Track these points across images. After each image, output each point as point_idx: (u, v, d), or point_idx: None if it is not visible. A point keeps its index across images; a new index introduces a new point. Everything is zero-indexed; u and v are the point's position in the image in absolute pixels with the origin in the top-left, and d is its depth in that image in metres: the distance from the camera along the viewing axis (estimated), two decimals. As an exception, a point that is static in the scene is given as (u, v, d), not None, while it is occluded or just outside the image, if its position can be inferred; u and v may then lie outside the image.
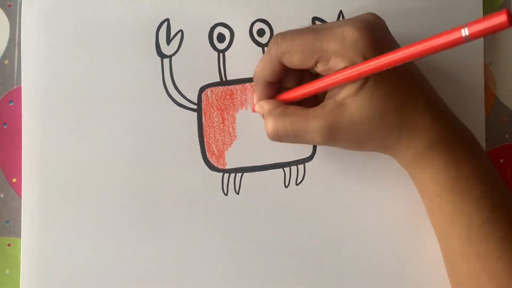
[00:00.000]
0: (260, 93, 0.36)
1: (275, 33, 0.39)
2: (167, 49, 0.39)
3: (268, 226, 0.39)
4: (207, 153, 0.39)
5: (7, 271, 0.40)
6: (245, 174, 0.39)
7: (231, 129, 0.39)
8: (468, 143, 0.34)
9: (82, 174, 0.39)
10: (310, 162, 0.39)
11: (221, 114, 0.39)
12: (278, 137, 0.34)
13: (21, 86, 0.39)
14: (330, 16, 0.39)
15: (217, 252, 0.39)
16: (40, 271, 0.38)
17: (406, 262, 0.39)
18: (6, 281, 0.39)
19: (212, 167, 0.39)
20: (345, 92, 0.32)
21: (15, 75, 0.40)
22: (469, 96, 0.39)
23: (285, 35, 0.34)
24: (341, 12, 0.39)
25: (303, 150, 0.39)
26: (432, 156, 0.33)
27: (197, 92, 0.39)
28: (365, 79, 0.32)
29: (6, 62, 0.40)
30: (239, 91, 0.39)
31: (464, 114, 0.39)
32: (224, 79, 0.39)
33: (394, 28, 0.39)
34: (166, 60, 0.39)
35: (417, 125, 0.33)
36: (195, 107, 0.39)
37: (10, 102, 0.40)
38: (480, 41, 0.39)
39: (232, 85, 0.39)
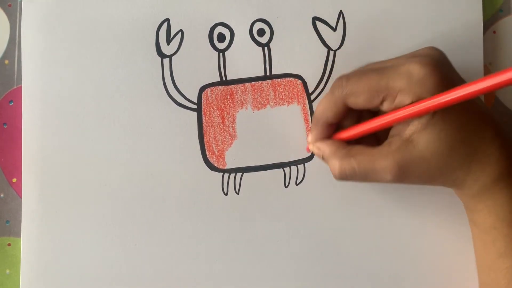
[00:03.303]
0: (317, 134, 0.35)
1: (275, 33, 0.39)
2: (167, 49, 0.39)
3: (268, 226, 0.39)
4: (207, 153, 0.39)
5: (7, 271, 0.39)
6: (245, 174, 0.39)
7: (231, 129, 0.39)
8: None
9: (82, 174, 0.39)
10: (310, 162, 0.39)
11: (221, 114, 0.39)
12: (346, 177, 0.34)
13: (21, 86, 0.39)
14: (330, 16, 0.39)
15: (217, 252, 0.39)
16: (40, 271, 0.38)
17: (406, 262, 0.39)
18: (6, 281, 0.39)
19: (212, 167, 0.39)
20: (412, 128, 0.32)
21: (15, 75, 0.40)
22: (469, 96, 0.39)
23: (349, 77, 0.33)
24: (341, 12, 0.39)
25: (303, 150, 0.39)
26: (498, 189, 0.33)
27: (197, 92, 0.39)
28: (432, 114, 0.31)
29: (6, 62, 0.40)
30: (239, 91, 0.39)
31: (464, 114, 0.39)
32: (224, 79, 0.39)
33: (394, 28, 0.39)
34: (166, 60, 0.39)
35: (486, 158, 0.32)
36: (195, 107, 0.39)
37: (10, 102, 0.40)
38: (480, 41, 0.39)
39: (232, 85, 0.39)
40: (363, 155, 0.33)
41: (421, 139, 0.32)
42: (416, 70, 0.31)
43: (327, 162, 0.35)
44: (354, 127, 0.35)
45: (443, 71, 0.32)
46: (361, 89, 0.33)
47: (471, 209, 0.35)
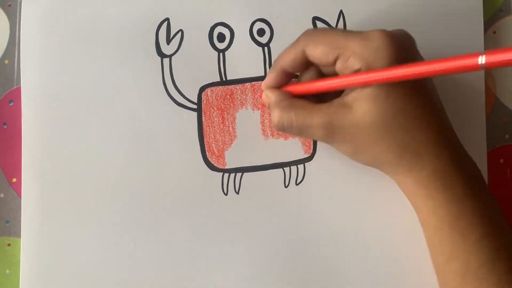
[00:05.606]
0: (271, 79, 0.36)
1: (275, 33, 0.39)
2: (167, 49, 0.39)
3: (268, 226, 0.39)
4: (207, 153, 0.39)
5: (7, 271, 0.39)
6: (245, 174, 0.39)
7: (231, 129, 0.39)
8: (473, 180, 0.33)
9: (82, 174, 0.39)
10: (310, 162, 0.39)
11: (221, 114, 0.39)
12: (283, 128, 0.34)
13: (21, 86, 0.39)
14: (330, 16, 0.39)
15: (217, 252, 0.39)
16: (40, 271, 0.38)
17: (405, 262, 0.39)
18: (6, 281, 0.39)
19: (212, 167, 0.39)
20: (354, 95, 0.32)
21: (15, 75, 0.40)
22: (470, 96, 0.39)
23: (317, 28, 0.34)
24: (341, 12, 0.39)
25: (303, 150, 0.39)
26: (435, 188, 0.33)
27: (197, 92, 0.39)
28: (379, 87, 0.31)
29: (6, 62, 0.40)
30: (239, 91, 0.39)
31: (464, 114, 0.39)
32: (224, 79, 0.39)
33: (393, 28, 0.39)
34: (166, 60, 0.39)
35: (422, 151, 0.32)
36: (195, 106, 0.39)
37: (10, 102, 0.40)
38: (480, 41, 0.39)
39: (232, 85, 0.39)
40: (303, 109, 0.34)
41: (359, 107, 0.32)
42: (376, 37, 0.31)
43: (270, 110, 0.35)
44: (301, 84, 0.35)
45: (401, 47, 0.32)
46: (322, 40, 0.33)
47: (416, 208, 0.35)
